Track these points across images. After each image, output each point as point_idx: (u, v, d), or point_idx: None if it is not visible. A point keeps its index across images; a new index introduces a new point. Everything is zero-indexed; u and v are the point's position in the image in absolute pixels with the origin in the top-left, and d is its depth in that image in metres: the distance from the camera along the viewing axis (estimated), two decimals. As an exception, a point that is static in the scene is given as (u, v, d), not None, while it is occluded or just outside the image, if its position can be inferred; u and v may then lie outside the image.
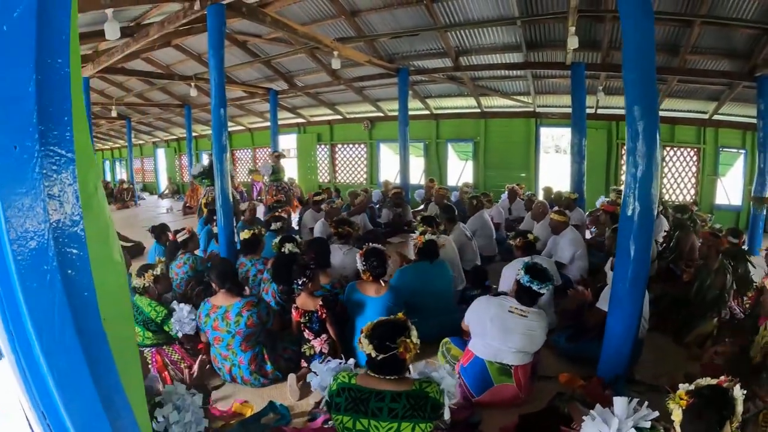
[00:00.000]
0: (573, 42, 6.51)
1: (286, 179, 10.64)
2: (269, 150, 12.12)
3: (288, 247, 4.68)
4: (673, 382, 3.46)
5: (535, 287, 3.12)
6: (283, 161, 10.41)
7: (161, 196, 19.07)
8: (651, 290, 5.27)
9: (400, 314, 2.47)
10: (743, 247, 5.58)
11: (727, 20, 6.73)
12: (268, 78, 11.90)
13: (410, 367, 2.55)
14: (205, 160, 9.90)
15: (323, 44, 7.51)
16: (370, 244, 4.09)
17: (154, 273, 4.02)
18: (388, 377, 2.28)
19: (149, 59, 11.20)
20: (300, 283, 3.82)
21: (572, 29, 6.41)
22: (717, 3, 6.54)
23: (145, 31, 6.58)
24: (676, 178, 10.99)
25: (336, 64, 8.01)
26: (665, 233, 6.91)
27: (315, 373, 2.59)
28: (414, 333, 2.33)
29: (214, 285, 3.86)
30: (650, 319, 4.34)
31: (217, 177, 5.41)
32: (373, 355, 2.26)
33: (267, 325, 3.79)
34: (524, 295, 3.20)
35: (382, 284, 3.92)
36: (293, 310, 3.82)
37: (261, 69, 11.48)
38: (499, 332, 3.14)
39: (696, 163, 10.72)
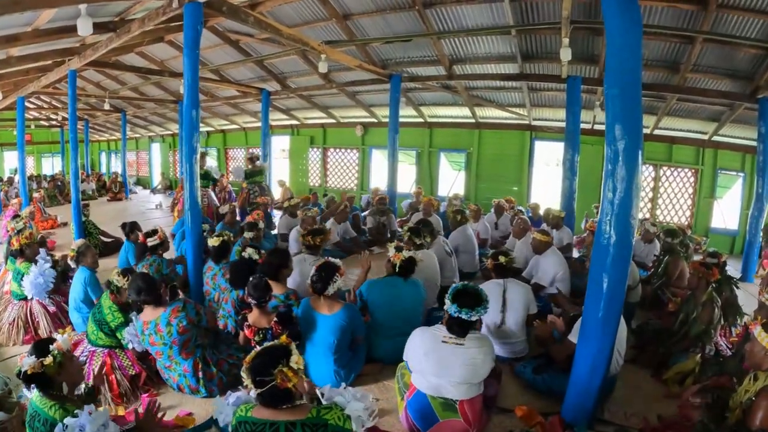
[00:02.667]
0: (566, 54, 6.29)
1: (265, 183, 10.35)
2: (259, 150, 11.89)
3: (249, 252, 4.51)
4: (644, 423, 3.27)
5: (464, 316, 2.84)
6: (276, 162, 10.14)
7: (153, 191, 18.90)
8: (634, 317, 5.12)
9: (283, 337, 2.25)
10: (723, 262, 5.38)
11: (730, 38, 6.50)
12: (261, 78, 11.70)
13: (320, 392, 2.41)
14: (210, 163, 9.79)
15: (310, 46, 7.28)
16: (329, 258, 3.89)
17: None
18: (281, 407, 2.09)
19: (143, 54, 11.04)
20: (259, 302, 3.65)
21: (566, 41, 6.21)
22: (720, 20, 6.33)
23: (127, 27, 6.37)
24: (672, 198, 10.78)
25: (323, 67, 7.79)
26: (655, 257, 6.68)
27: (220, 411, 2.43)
28: (294, 358, 2.10)
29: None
30: (629, 351, 4.13)
31: (186, 179, 5.17)
32: (253, 389, 2.07)
33: (201, 324, 3.64)
34: (454, 326, 2.92)
35: (335, 301, 3.71)
36: (245, 328, 3.62)
37: (254, 69, 11.28)
38: (435, 367, 2.89)
39: (693, 185, 10.51)
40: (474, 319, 2.87)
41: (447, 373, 2.87)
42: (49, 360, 2.35)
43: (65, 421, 2.22)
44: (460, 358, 2.86)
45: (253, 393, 2.10)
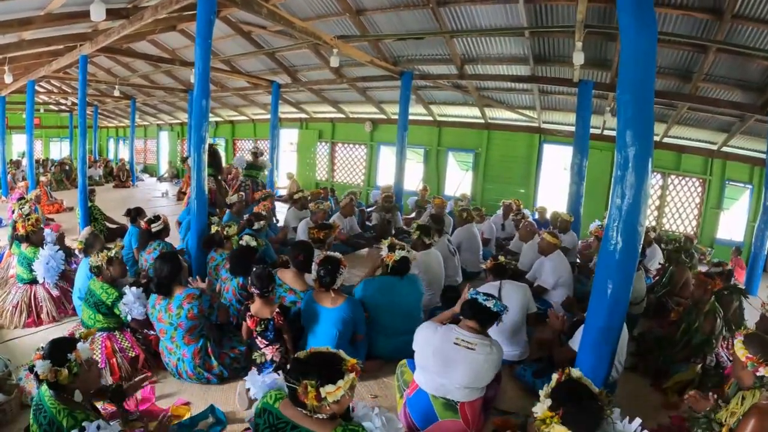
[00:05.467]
0: (579, 58, 6.26)
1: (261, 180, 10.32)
2: (267, 142, 11.91)
3: (246, 240, 4.50)
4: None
5: (480, 299, 2.89)
6: (284, 155, 10.06)
7: (160, 179, 18.92)
8: (637, 325, 5.10)
9: (352, 360, 2.09)
10: (728, 270, 5.37)
11: (744, 48, 6.45)
12: (271, 70, 11.72)
13: (352, 405, 2.27)
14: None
15: (322, 40, 7.27)
16: (329, 252, 3.89)
17: (109, 255, 3.98)
18: (304, 412, 2.00)
19: (155, 42, 11.07)
20: (262, 292, 3.62)
21: (579, 44, 6.18)
22: (734, 30, 6.29)
23: (140, 15, 6.38)
24: (678, 207, 10.76)
25: (334, 61, 7.80)
26: (660, 265, 6.66)
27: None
28: (330, 388, 1.93)
29: None
30: (629, 358, 4.12)
31: (194, 169, 5.18)
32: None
33: (210, 318, 3.65)
34: (467, 307, 2.97)
35: (339, 295, 3.71)
36: (247, 318, 3.63)
37: (265, 61, 11.30)
38: (441, 367, 2.87)
39: (700, 195, 10.48)
40: (486, 304, 2.88)
41: (451, 375, 2.85)
42: (64, 374, 2.25)
43: None
44: (466, 362, 2.83)
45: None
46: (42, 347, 2.36)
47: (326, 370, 1.99)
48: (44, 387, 2.31)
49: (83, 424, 2.18)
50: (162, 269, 3.60)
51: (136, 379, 3.06)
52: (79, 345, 2.38)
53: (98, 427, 2.18)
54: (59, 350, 2.31)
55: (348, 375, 2.00)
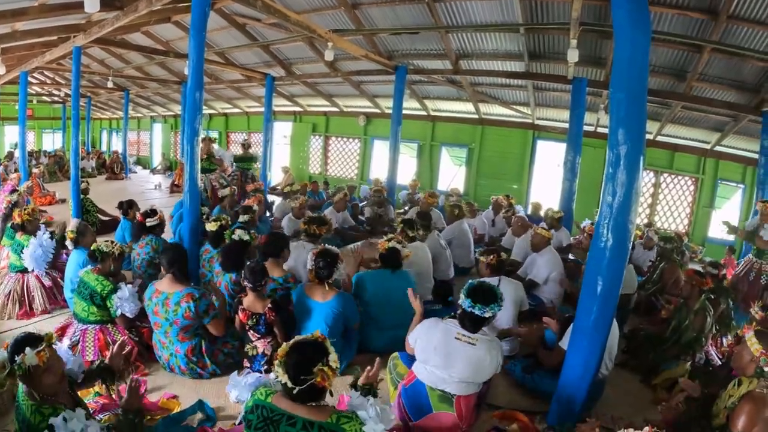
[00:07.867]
0: (573, 55, 6.26)
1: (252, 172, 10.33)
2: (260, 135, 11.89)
3: (239, 234, 4.48)
4: (630, 427, 3.28)
5: (477, 312, 2.80)
6: (277, 148, 10.06)
7: (153, 171, 18.82)
8: (627, 322, 5.14)
9: (317, 332, 2.18)
10: (722, 274, 5.41)
11: (739, 49, 6.46)
12: (266, 63, 11.65)
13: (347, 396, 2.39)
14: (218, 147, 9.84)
15: (317, 34, 7.25)
16: (325, 245, 3.91)
17: (120, 249, 4.13)
18: (306, 404, 2.06)
19: (149, 33, 10.96)
20: (255, 286, 3.64)
21: (573, 42, 6.18)
22: (729, 31, 6.30)
23: (135, 6, 6.32)
24: (671, 206, 10.80)
25: (329, 55, 7.77)
26: (651, 263, 6.70)
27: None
28: (333, 357, 2.04)
29: (162, 269, 3.77)
30: (620, 355, 4.15)
31: (187, 162, 5.15)
32: (289, 385, 2.00)
33: (203, 322, 3.63)
34: (467, 321, 2.89)
35: (330, 288, 3.73)
36: (240, 312, 3.64)
37: (259, 53, 11.23)
38: (442, 361, 2.86)
39: (693, 193, 10.52)
40: (487, 315, 2.82)
41: (451, 369, 2.85)
42: (2, 374, 2.22)
43: None
44: (468, 357, 2.83)
45: (277, 379, 2.05)
46: (17, 337, 2.29)
47: (316, 347, 2.08)
48: (21, 384, 2.30)
49: (50, 420, 2.16)
50: (173, 259, 3.65)
51: (115, 348, 2.91)
52: (27, 350, 2.22)
53: (64, 419, 2.17)
54: (18, 345, 2.23)
55: (326, 341, 2.12)
